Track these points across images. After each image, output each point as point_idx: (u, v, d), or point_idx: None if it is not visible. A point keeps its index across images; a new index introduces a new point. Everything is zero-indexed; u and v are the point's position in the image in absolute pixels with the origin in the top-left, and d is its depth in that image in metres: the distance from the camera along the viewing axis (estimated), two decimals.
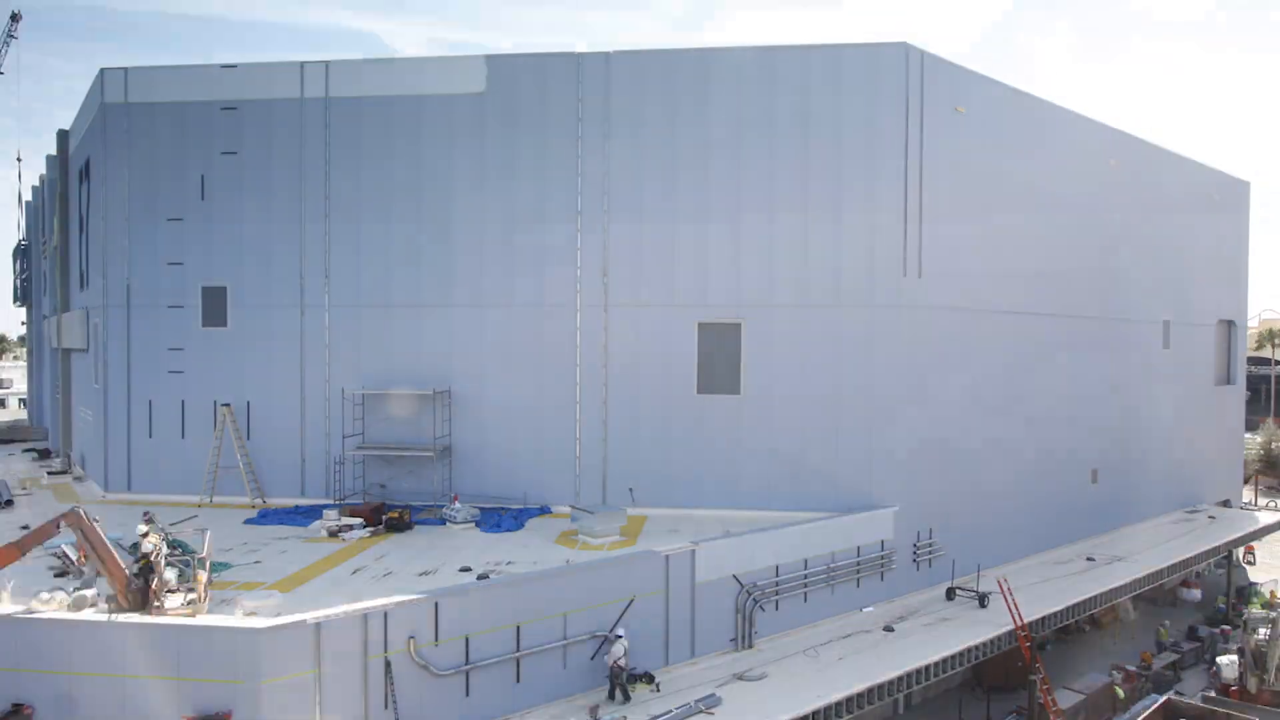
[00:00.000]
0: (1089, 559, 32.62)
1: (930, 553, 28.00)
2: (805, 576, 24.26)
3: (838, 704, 20.18)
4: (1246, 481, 51.70)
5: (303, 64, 29.20)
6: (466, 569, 21.66)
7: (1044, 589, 28.94)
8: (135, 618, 16.79)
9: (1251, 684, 26.34)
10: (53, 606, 16.84)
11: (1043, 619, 26.57)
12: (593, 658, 19.74)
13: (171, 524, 24.16)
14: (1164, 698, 23.79)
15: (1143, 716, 22.34)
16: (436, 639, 17.36)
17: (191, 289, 29.80)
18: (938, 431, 28.44)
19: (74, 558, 19.63)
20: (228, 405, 29.29)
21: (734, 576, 22.59)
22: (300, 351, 29.27)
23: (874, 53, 27.66)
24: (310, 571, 21.53)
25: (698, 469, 28.07)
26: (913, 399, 27.64)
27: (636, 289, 28.22)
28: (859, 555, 25.77)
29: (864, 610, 25.64)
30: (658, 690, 19.85)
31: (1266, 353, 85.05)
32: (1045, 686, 24.60)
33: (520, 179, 28.61)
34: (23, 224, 54.80)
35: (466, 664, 17.78)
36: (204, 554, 18.24)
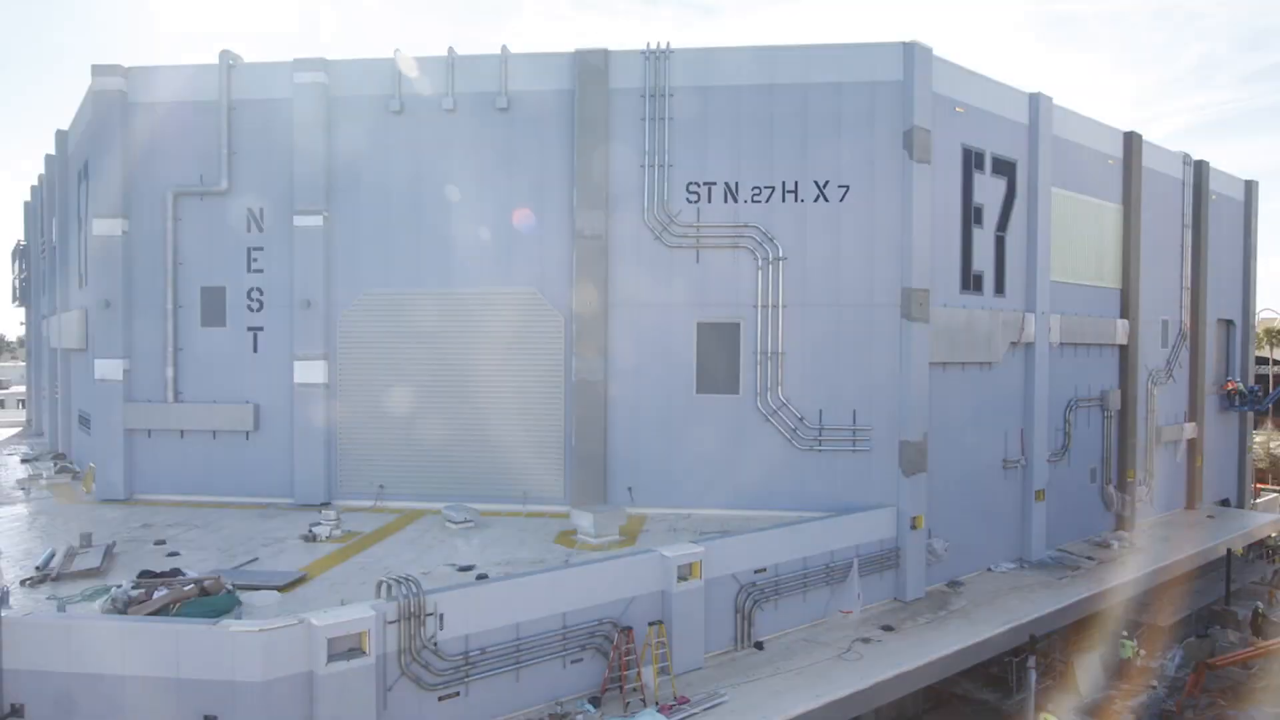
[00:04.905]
0: (1088, 557, 32.64)
1: (933, 552, 27.96)
2: (805, 576, 24.26)
3: (837, 703, 20.17)
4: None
5: (297, 62, 29.18)
6: (466, 568, 21.67)
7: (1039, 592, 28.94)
8: (131, 617, 16.83)
9: None
10: None
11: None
12: None
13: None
14: None
15: None
16: (435, 639, 17.33)
17: (190, 289, 29.84)
18: (938, 431, 28.39)
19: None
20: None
21: (733, 576, 22.58)
22: (294, 350, 29.24)
23: (875, 52, 27.67)
24: (310, 571, 21.50)
25: (697, 469, 28.07)
26: (911, 398, 27.55)
27: (636, 289, 28.23)
28: (858, 555, 25.75)
29: (866, 610, 25.63)
30: None
31: (1265, 353, 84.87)
32: None
33: (518, 174, 28.63)
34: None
35: (465, 664, 17.75)
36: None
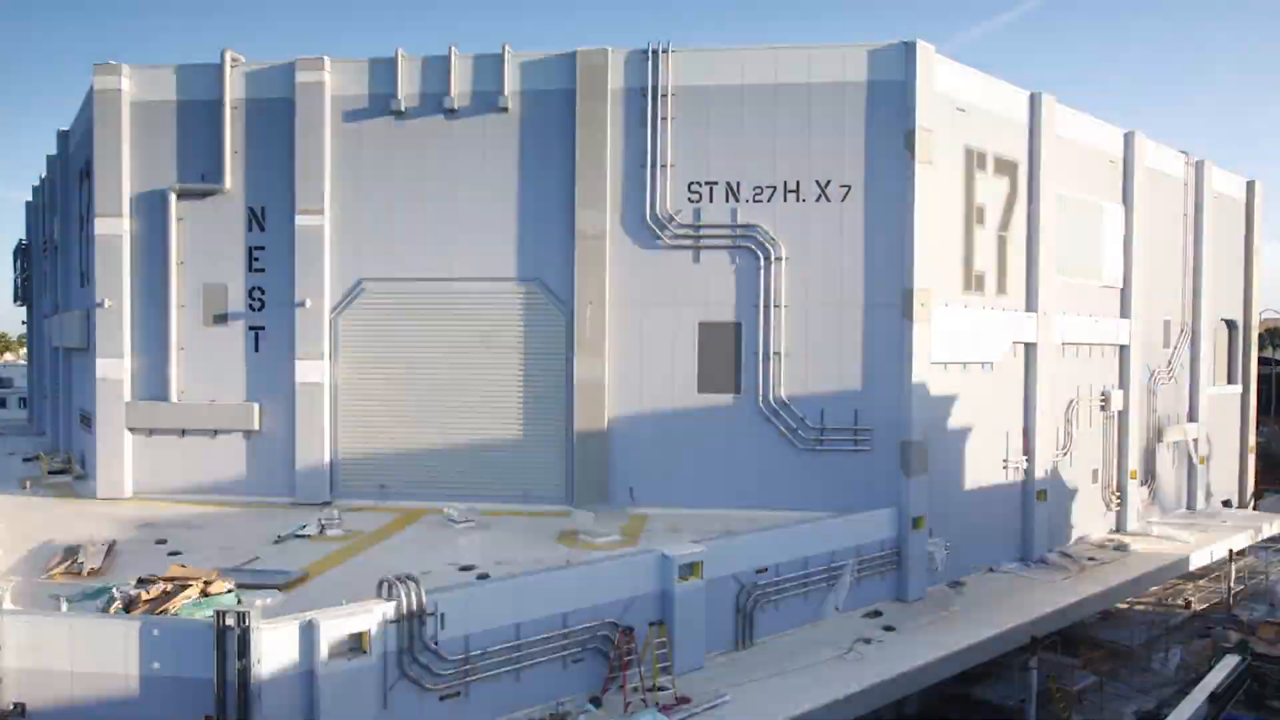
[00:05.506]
0: (1090, 558, 32.60)
1: (933, 562, 27.89)
2: (805, 576, 24.24)
3: (838, 703, 20.15)
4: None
5: (299, 61, 29.17)
6: (467, 568, 21.67)
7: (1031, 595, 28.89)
8: (131, 616, 16.82)
9: None
10: None
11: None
12: None
13: None
14: None
15: None
16: (436, 638, 17.32)
17: (192, 288, 29.82)
18: (940, 431, 28.37)
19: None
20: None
21: (734, 576, 22.56)
22: (295, 349, 29.24)
23: (876, 52, 27.63)
24: (311, 570, 21.50)
25: (698, 469, 28.04)
26: (913, 398, 27.51)
27: (637, 288, 28.19)
28: (859, 555, 25.73)
29: (870, 610, 25.60)
30: None
31: (1266, 353, 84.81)
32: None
33: (519, 174, 28.61)
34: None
35: (465, 663, 17.74)
36: None
